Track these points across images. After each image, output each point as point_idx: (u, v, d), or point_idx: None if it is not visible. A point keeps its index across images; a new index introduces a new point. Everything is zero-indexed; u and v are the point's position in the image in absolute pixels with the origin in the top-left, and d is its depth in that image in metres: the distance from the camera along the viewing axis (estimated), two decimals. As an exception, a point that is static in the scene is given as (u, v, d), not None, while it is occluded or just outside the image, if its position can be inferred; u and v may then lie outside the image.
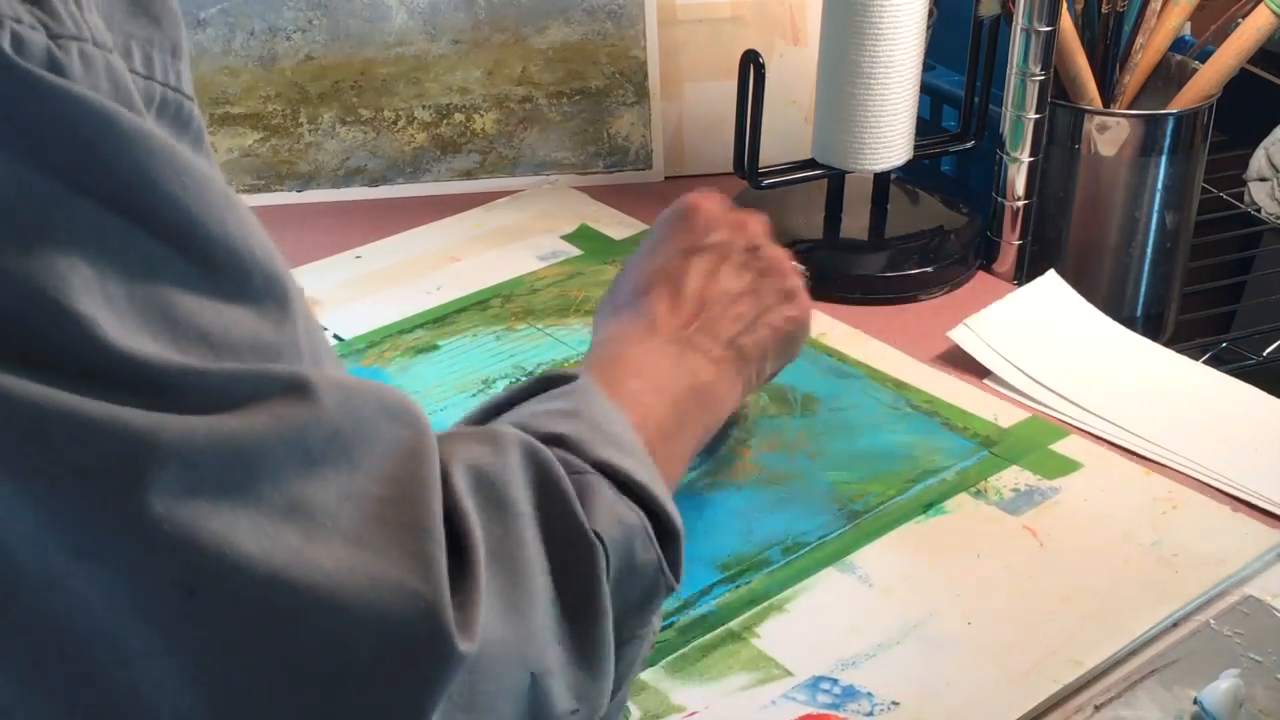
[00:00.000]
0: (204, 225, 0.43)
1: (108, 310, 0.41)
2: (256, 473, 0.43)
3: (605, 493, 0.58)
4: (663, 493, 0.61)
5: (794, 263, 0.84)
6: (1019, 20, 1.07)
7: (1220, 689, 0.73)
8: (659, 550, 0.60)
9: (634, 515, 0.58)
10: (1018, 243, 1.13)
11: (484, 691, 0.49)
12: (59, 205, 0.41)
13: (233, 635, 0.43)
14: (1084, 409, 0.98)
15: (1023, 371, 1.00)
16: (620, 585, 0.57)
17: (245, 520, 0.42)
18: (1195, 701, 0.74)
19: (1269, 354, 1.16)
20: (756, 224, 0.83)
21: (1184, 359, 1.05)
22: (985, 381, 1.01)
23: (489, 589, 0.49)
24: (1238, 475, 0.91)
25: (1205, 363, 1.08)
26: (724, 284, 0.79)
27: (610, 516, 0.57)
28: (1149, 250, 1.15)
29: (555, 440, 0.58)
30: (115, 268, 0.41)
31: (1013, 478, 0.91)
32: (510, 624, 0.51)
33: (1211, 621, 0.81)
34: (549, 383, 0.65)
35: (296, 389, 0.44)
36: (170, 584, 0.42)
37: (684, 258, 0.80)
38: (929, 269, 1.12)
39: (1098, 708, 0.75)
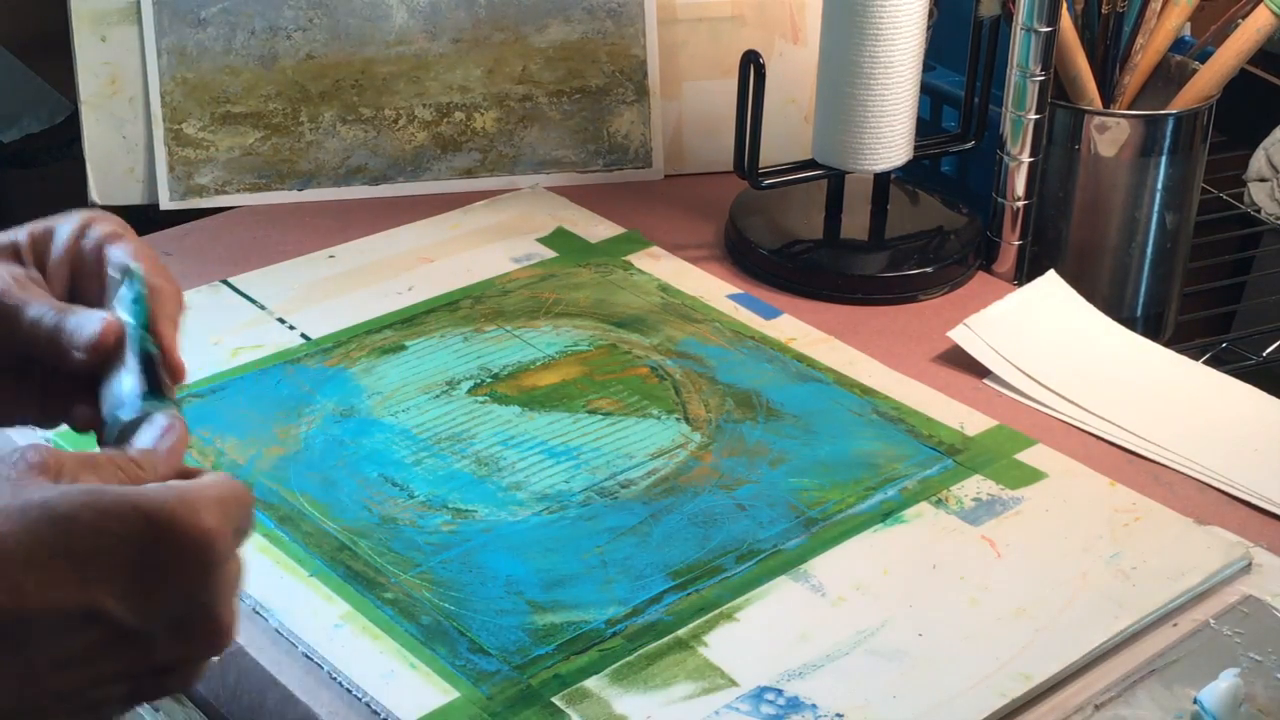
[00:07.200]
0: None
1: None
2: None
3: None
4: None
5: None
6: (1019, 20, 1.07)
7: (1220, 689, 0.74)
8: None
9: None
10: (1018, 243, 1.13)
11: None
12: None
13: None
14: (1083, 409, 0.98)
15: (1023, 371, 1.01)
16: None
17: None
18: (1195, 701, 0.74)
19: (1269, 354, 1.16)
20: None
21: (1184, 359, 1.05)
22: (986, 382, 1.01)
23: None
24: (1237, 475, 0.91)
25: (1205, 363, 1.08)
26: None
27: None
28: (1149, 250, 1.15)
29: None
30: None
31: (975, 487, 0.90)
32: None
33: (1211, 621, 0.81)
34: None
35: None
36: None
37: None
38: (929, 269, 1.12)
39: (1098, 707, 0.75)
